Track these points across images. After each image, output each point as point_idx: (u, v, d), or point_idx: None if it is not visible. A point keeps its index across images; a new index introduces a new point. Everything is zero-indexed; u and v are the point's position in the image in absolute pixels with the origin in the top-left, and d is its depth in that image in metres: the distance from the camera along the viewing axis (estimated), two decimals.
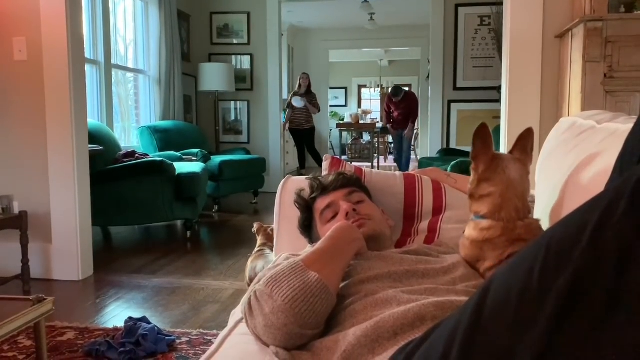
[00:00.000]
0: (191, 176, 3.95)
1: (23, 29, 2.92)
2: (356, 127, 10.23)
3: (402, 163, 8.10)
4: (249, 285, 2.53)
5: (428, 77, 6.64)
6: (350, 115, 10.59)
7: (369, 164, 9.41)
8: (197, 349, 2.02)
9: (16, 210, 2.71)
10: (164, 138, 4.99)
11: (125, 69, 5.12)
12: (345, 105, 14.48)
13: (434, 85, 6.28)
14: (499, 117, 3.07)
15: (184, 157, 4.61)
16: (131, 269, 3.19)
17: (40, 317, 1.41)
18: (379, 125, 11.16)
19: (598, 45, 2.33)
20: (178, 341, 2.07)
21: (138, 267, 3.23)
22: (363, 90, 14.94)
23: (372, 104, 14.69)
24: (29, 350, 1.98)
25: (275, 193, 1.68)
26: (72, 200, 2.96)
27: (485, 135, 1.04)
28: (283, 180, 1.68)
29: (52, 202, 2.97)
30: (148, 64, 5.39)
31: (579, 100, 2.38)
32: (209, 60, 6.32)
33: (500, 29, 4.99)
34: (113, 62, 4.67)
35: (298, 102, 7.49)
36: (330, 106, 11.60)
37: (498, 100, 4.68)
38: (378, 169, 9.22)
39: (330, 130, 11.06)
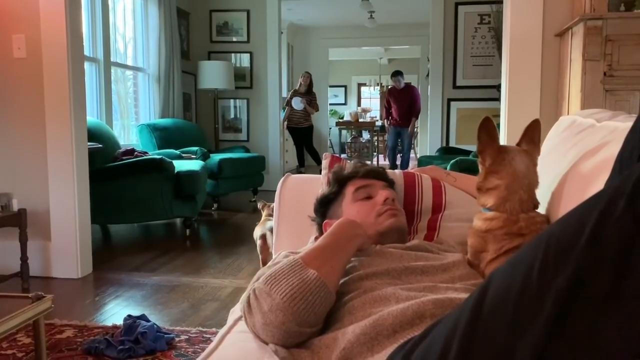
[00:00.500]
0: (190, 174, 3.95)
1: (22, 26, 2.92)
2: (355, 125, 10.24)
3: (402, 163, 7.77)
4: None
5: (428, 75, 6.65)
6: (350, 114, 10.59)
7: (369, 163, 9.38)
8: (196, 346, 2.02)
9: (15, 208, 2.71)
10: (163, 136, 4.98)
11: (125, 66, 5.11)
12: (345, 104, 14.47)
13: (434, 84, 6.28)
14: (498, 116, 3.06)
15: (183, 155, 4.61)
16: (130, 267, 3.19)
17: (39, 314, 1.41)
18: (379, 123, 11.17)
19: (598, 44, 2.33)
20: (177, 339, 2.07)
21: (137, 265, 3.23)
22: (363, 88, 14.94)
23: (371, 102, 14.68)
24: (28, 348, 1.98)
25: (275, 191, 1.68)
26: (71, 198, 2.96)
27: (490, 128, 1.05)
28: (282, 178, 1.68)
29: (51, 200, 2.96)
30: (147, 61, 5.38)
31: (579, 99, 2.38)
32: (209, 58, 6.31)
33: (500, 28, 4.99)
34: (112, 59, 4.66)
35: (297, 104, 7.51)
36: (330, 104, 11.60)
37: (498, 99, 4.69)
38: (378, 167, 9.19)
39: (330, 128, 11.05)
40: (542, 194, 1.14)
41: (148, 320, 2.11)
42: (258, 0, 6.26)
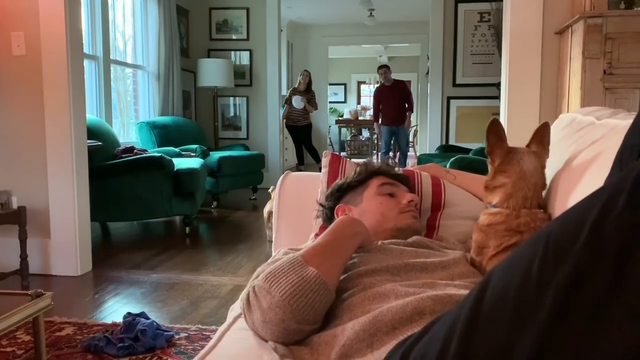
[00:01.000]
0: (190, 172, 3.95)
1: (21, 24, 2.91)
2: (355, 123, 10.23)
3: (401, 162, 7.33)
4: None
5: (427, 73, 6.64)
6: (350, 112, 10.59)
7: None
8: (196, 344, 2.02)
9: (15, 206, 2.70)
10: (163, 134, 4.98)
11: (124, 64, 5.11)
12: (345, 102, 14.46)
13: (434, 82, 6.27)
14: (498, 114, 3.06)
15: (183, 152, 4.61)
16: (130, 265, 3.19)
17: (38, 311, 1.41)
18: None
19: (598, 42, 2.33)
20: (177, 336, 2.07)
21: (137, 263, 3.23)
22: (362, 86, 14.92)
23: (371, 100, 14.66)
24: (28, 345, 1.98)
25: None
26: (71, 195, 2.95)
27: (499, 129, 1.08)
28: (282, 176, 1.68)
29: (50, 198, 2.96)
30: (147, 59, 5.38)
31: (579, 97, 2.38)
32: (208, 56, 6.31)
33: (499, 25, 4.99)
34: (112, 57, 4.65)
35: (298, 103, 7.51)
36: (330, 102, 11.59)
37: (497, 97, 4.68)
38: None
39: (330, 126, 11.05)
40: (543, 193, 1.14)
41: (147, 318, 2.11)
42: None
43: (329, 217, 1.33)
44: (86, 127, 3.11)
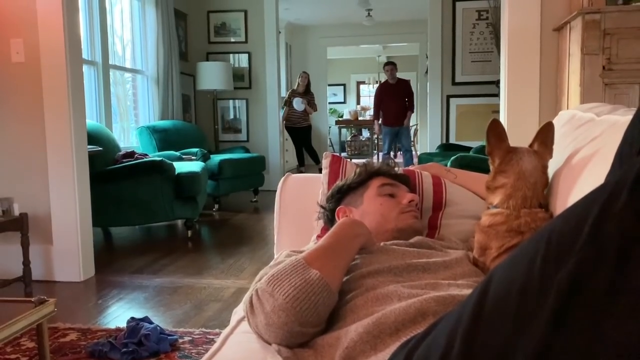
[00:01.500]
0: (191, 175, 3.95)
1: (20, 31, 2.92)
2: (355, 123, 10.23)
3: (405, 161, 6.96)
4: None
5: (426, 72, 6.64)
6: (349, 112, 10.59)
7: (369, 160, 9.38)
8: (200, 347, 2.02)
9: (16, 213, 2.71)
10: (163, 138, 4.98)
11: (123, 69, 5.11)
12: (344, 102, 14.47)
13: (433, 81, 6.28)
14: (498, 112, 3.06)
15: (184, 156, 4.61)
16: (132, 269, 3.19)
17: (42, 318, 1.41)
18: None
19: (596, 38, 2.32)
20: (180, 340, 2.07)
21: (139, 267, 3.23)
22: (362, 86, 14.93)
23: (370, 100, 14.66)
24: (32, 352, 1.99)
25: (275, 191, 1.68)
26: (72, 201, 2.96)
27: (499, 130, 1.08)
28: (283, 178, 1.68)
29: (52, 204, 2.96)
30: (146, 63, 5.38)
31: (578, 93, 2.37)
32: (207, 59, 6.31)
33: (498, 23, 4.99)
34: (111, 62, 4.66)
35: (298, 105, 7.53)
36: (329, 103, 11.59)
37: (497, 95, 4.68)
38: None
39: (330, 127, 11.05)
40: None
41: (151, 322, 2.11)
42: (255, 1, 6.26)
43: (330, 219, 1.33)
44: (86, 132, 3.11)
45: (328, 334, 0.88)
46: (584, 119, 1.22)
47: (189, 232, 4.06)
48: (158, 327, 2.07)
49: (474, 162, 3.40)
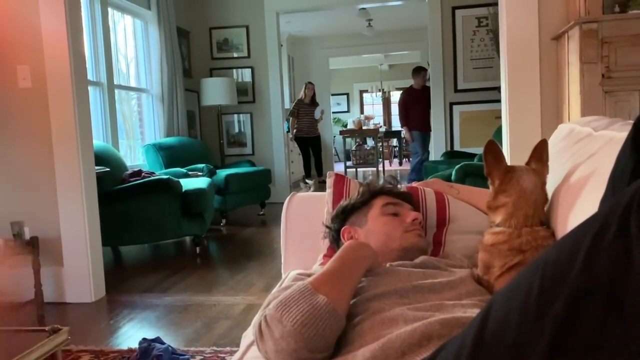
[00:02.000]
0: (198, 192, 3.99)
1: (26, 57, 2.97)
2: (359, 132, 10.25)
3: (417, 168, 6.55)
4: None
5: (428, 80, 6.65)
6: (353, 121, 10.62)
7: (374, 169, 9.41)
8: None
9: (27, 236, 2.74)
10: (170, 154, 5.03)
11: (128, 88, 5.17)
12: (348, 111, 14.52)
13: (435, 88, 6.29)
14: (500, 117, 3.07)
15: (190, 172, 4.65)
16: (142, 288, 3.21)
17: (56, 347, 1.43)
18: (382, 130, 11.17)
19: (594, 47, 2.34)
20: None
21: (149, 286, 3.26)
22: (365, 95, 14.98)
23: (374, 109, 14.71)
24: None
25: (282, 203, 1.71)
26: (82, 222, 2.99)
27: (495, 150, 1.10)
28: (288, 198, 1.70)
29: (62, 226, 3.00)
30: (150, 81, 5.44)
31: (579, 101, 2.39)
32: (210, 75, 6.37)
33: (498, 30, 5.00)
34: (115, 81, 4.71)
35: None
36: (333, 112, 11.62)
37: (499, 100, 4.68)
38: (384, 173, 9.22)
39: (334, 136, 11.09)
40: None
41: (163, 343, 2.13)
42: (257, 15, 6.32)
43: (335, 239, 1.35)
44: (94, 154, 3.15)
45: (336, 358, 0.90)
46: (582, 134, 1.24)
47: (197, 249, 4.09)
48: (170, 348, 2.08)
49: (478, 170, 3.41)
